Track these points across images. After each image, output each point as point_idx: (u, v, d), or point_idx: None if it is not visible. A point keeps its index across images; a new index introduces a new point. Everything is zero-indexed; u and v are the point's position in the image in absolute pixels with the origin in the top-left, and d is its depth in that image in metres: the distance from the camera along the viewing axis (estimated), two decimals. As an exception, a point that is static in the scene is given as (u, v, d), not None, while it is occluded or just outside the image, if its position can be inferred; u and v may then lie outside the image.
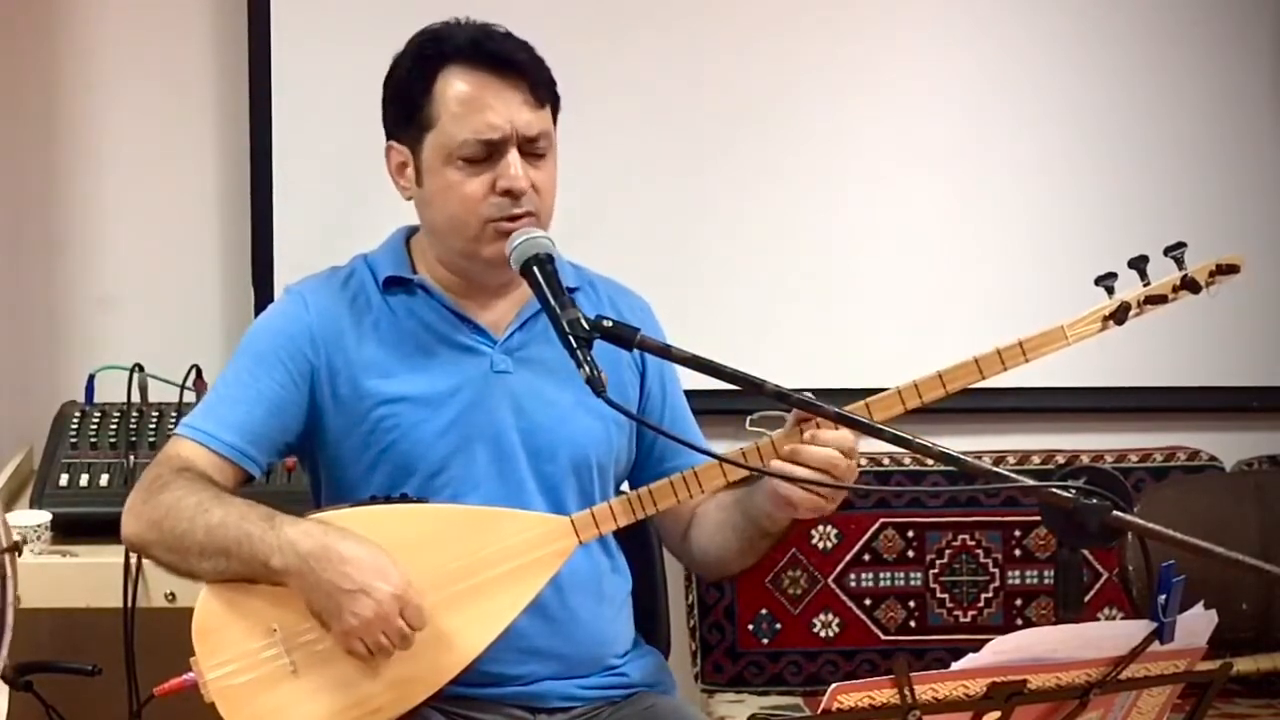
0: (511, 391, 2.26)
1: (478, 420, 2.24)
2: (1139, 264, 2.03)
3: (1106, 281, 2.05)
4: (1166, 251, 2.04)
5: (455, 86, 2.19)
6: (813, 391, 1.97)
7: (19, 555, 2.18)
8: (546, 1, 3.11)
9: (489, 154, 2.18)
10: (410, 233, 2.35)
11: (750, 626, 3.23)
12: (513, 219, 2.18)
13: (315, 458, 2.30)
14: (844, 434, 2.07)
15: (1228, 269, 2.06)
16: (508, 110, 2.18)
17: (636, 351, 2.12)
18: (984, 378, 2.09)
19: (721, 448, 2.31)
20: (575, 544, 2.15)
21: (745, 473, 2.19)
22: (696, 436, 2.39)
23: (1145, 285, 2.05)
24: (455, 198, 2.19)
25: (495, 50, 2.20)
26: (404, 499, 2.18)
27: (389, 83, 2.27)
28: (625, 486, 2.39)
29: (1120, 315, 2.05)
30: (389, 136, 2.27)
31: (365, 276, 2.30)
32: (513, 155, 2.18)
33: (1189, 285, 2.05)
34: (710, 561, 2.35)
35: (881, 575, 3.26)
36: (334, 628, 2.03)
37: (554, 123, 2.26)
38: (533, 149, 2.20)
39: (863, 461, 2.12)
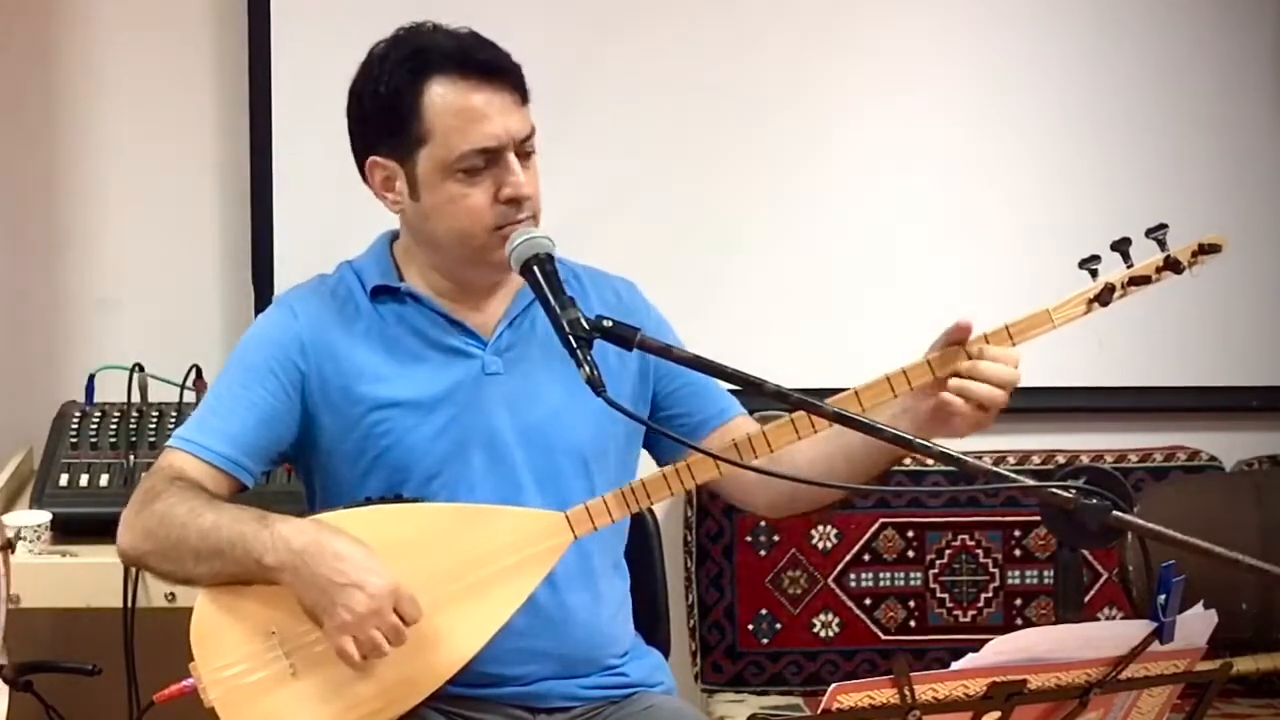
0: (504, 392, 2.25)
1: (471, 423, 2.24)
2: (1122, 246, 2.04)
3: (1090, 264, 2.06)
4: (1148, 233, 2.05)
5: (447, 99, 2.17)
6: (813, 391, 1.97)
7: (12, 552, 2.18)
8: (546, 1, 3.12)
9: (487, 162, 2.18)
10: (393, 238, 2.34)
11: (750, 626, 3.23)
12: (517, 224, 2.18)
13: (309, 465, 2.30)
14: (1013, 351, 2.07)
15: (1210, 249, 2.07)
16: (502, 117, 2.17)
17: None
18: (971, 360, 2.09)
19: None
20: (570, 539, 2.15)
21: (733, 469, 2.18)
22: (718, 393, 2.35)
23: (1129, 266, 2.05)
24: (459, 210, 2.19)
25: (482, 57, 2.19)
26: (399, 499, 2.18)
27: (365, 97, 2.23)
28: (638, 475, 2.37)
29: (1104, 297, 2.05)
30: (369, 151, 2.23)
31: (353, 284, 2.30)
32: (513, 162, 2.17)
33: (1172, 265, 2.05)
34: (801, 495, 2.29)
35: (881, 575, 3.26)
36: (326, 624, 2.03)
37: None
38: (524, 150, 2.20)
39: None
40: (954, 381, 2.07)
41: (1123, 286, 2.06)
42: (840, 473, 2.21)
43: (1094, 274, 2.05)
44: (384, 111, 2.21)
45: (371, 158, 2.24)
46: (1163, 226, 2.04)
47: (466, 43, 2.21)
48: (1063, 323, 2.07)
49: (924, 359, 2.10)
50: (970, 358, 2.09)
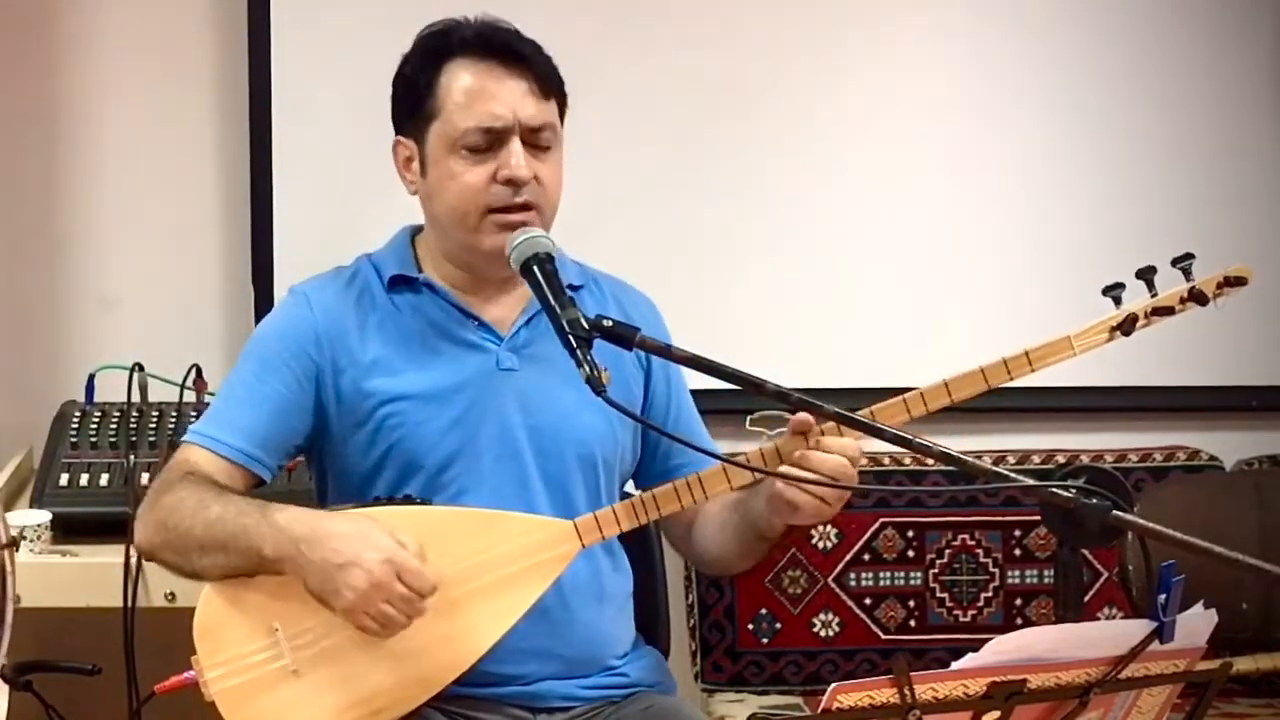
0: (517, 389, 2.26)
1: (483, 417, 2.24)
2: (1147, 275, 2.03)
3: (1114, 292, 2.04)
4: (1174, 263, 2.04)
5: (460, 77, 2.20)
6: (813, 391, 1.97)
7: (16, 550, 2.18)
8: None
9: (491, 143, 2.19)
10: (415, 232, 2.35)
11: (750, 626, 3.23)
12: (512, 209, 2.18)
13: (322, 457, 2.30)
14: (850, 442, 2.07)
15: (1235, 281, 2.06)
16: (511, 100, 2.19)
17: (639, 352, 2.12)
18: (990, 387, 2.08)
19: (723, 448, 2.31)
20: (578, 548, 2.15)
21: (749, 477, 2.19)
22: (702, 437, 2.39)
23: (1153, 296, 2.04)
24: (456, 187, 2.20)
25: (501, 41, 2.22)
26: (407, 500, 2.18)
27: (395, 81, 2.28)
28: (630, 486, 2.39)
29: (1127, 326, 2.04)
30: (396, 132, 2.29)
31: (370, 276, 2.31)
32: (515, 144, 2.18)
33: (1196, 297, 2.05)
34: (710, 560, 2.36)
35: (881, 575, 3.26)
36: (336, 606, 2.03)
37: (561, 119, 2.26)
38: (536, 140, 2.21)
39: (863, 461, 2.11)
40: (783, 468, 2.08)
41: (1145, 316, 2.05)
42: (731, 541, 2.28)
43: (1118, 301, 2.04)
44: (405, 91, 2.26)
45: (396, 138, 2.28)
46: (1189, 256, 2.03)
47: (488, 27, 2.24)
48: (1083, 350, 2.06)
49: (772, 444, 2.11)
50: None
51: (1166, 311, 2.05)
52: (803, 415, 2.06)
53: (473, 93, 2.19)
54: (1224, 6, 3.40)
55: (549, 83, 2.23)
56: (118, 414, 2.91)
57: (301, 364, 2.23)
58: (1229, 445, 3.41)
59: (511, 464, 2.24)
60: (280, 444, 2.23)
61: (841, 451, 2.07)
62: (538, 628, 2.20)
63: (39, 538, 2.64)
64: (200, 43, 3.24)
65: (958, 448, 1.94)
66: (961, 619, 3.27)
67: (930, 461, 3.20)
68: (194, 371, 2.97)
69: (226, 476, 2.17)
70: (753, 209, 3.32)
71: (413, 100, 2.24)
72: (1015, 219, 3.40)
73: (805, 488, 2.07)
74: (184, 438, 2.23)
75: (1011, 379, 2.08)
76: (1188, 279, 2.04)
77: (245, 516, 2.07)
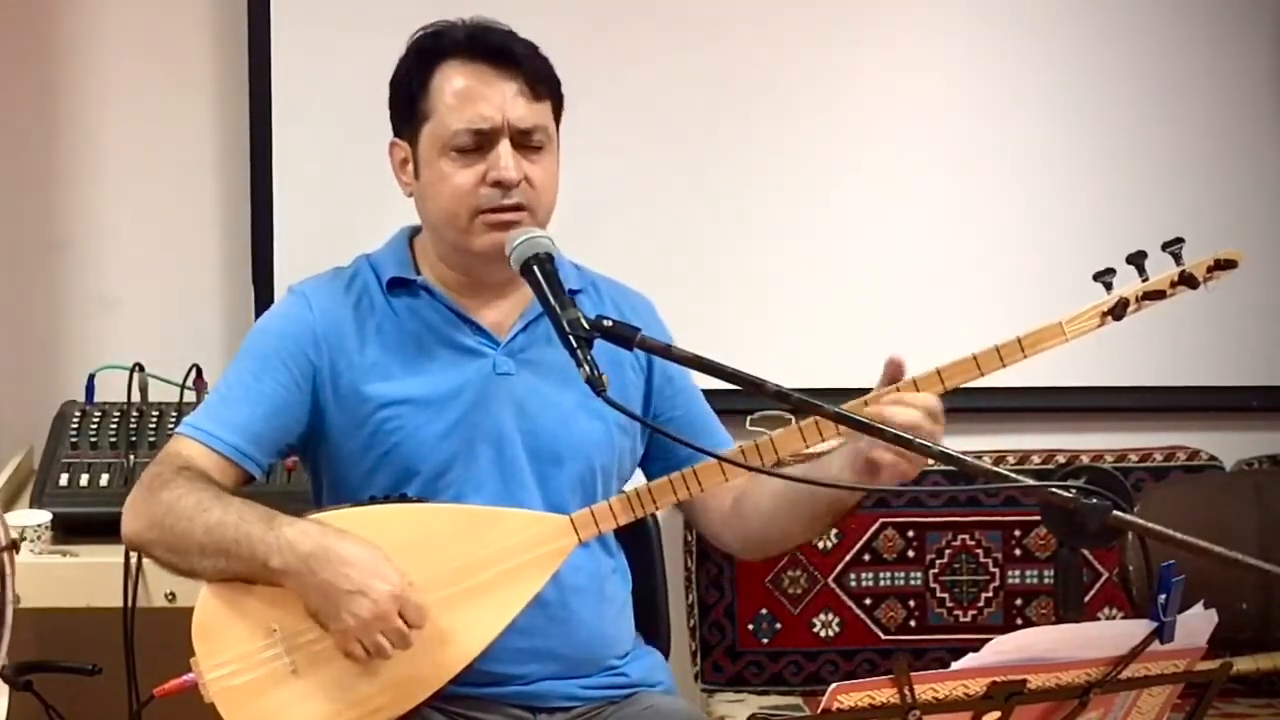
0: (514, 393, 2.26)
1: (480, 422, 2.24)
2: (1137, 259, 2.04)
3: (1105, 278, 2.05)
4: (1164, 247, 2.04)
5: (451, 79, 2.20)
6: (813, 391, 1.97)
7: (16, 553, 2.18)
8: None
9: (480, 144, 2.19)
10: (413, 233, 2.35)
11: (750, 626, 3.23)
12: (502, 210, 2.18)
13: (317, 458, 2.30)
14: (928, 396, 2.07)
15: (1226, 264, 2.06)
16: (501, 101, 2.18)
17: (638, 351, 2.12)
18: (982, 374, 2.09)
19: (722, 447, 2.31)
20: (575, 543, 2.15)
21: (743, 473, 2.20)
22: (715, 428, 2.38)
23: (1143, 280, 2.05)
24: (447, 188, 2.20)
25: (492, 43, 2.21)
26: (403, 499, 2.18)
27: (391, 82, 2.29)
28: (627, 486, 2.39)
29: (1118, 311, 2.05)
30: (394, 134, 2.29)
31: (369, 278, 2.30)
32: (504, 146, 2.18)
33: (1187, 280, 2.05)
34: (769, 538, 2.32)
35: (881, 575, 3.26)
36: (331, 628, 2.04)
37: (556, 120, 2.26)
38: (527, 142, 2.20)
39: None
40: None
41: (1137, 300, 2.05)
42: (794, 517, 2.26)
43: (1108, 287, 2.05)
44: (399, 93, 2.26)
45: (392, 139, 2.28)
46: (1179, 241, 2.04)
47: (480, 29, 2.24)
48: (1075, 336, 2.06)
49: (861, 400, 2.10)
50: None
51: (1158, 295, 2.05)
52: (894, 357, 2.08)
53: (462, 94, 2.19)
54: (1224, 6, 3.40)
55: (541, 84, 2.22)
56: (118, 414, 2.91)
57: (299, 364, 2.23)
58: (1229, 445, 3.41)
59: (508, 469, 2.24)
60: (274, 443, 2.23)
61: (921, 406, 2.05)
62: (539, 628, 2.20)
63: (39, 538, 2.64)
64: (200, 43, 3.24)
65: (958, 448, 1.94)
66: (961, 619, 3.27)
67: (930, 461, 3.18)
68: (194, 371, 2.97)
69: (219, 471, 2.17)
70: (753, 209, 3.32)
71: (406, 102, 2.24)
72: (1015, 219, 3.40)
73: (889, 446, 2.03)
74: (178, 429, 2.23)
75: (1004, 365, 2.09)
76: (1178, 263, 2.05)
77: (249, 524, 2.06)
